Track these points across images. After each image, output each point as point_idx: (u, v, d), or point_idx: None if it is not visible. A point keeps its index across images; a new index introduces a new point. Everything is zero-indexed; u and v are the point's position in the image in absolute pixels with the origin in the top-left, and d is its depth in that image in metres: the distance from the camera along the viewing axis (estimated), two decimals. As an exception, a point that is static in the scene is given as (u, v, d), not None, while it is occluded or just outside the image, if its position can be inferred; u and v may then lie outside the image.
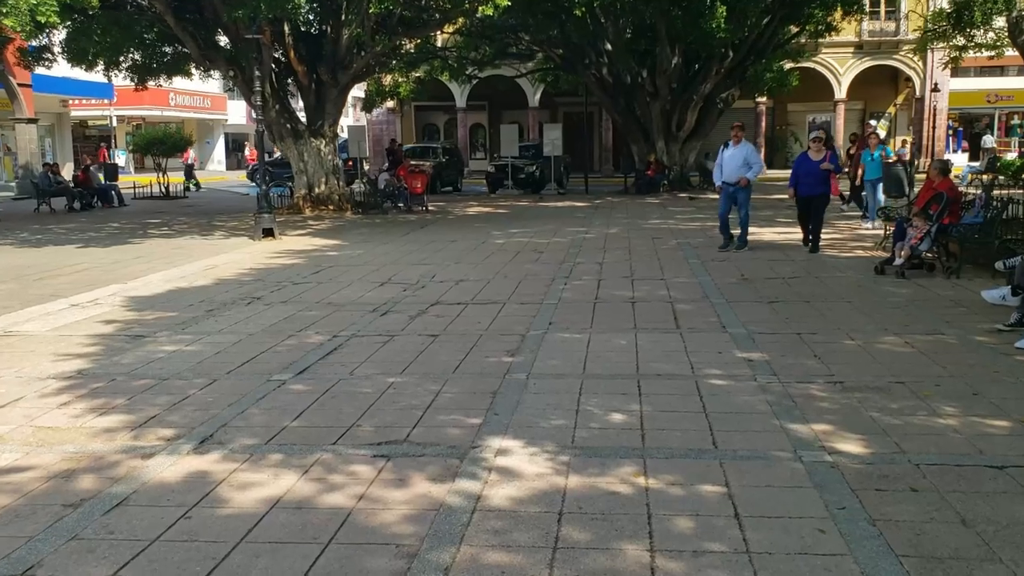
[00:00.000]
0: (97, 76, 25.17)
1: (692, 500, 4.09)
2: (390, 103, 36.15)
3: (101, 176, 26.56)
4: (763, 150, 38.15)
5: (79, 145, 43.81)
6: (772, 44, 26.57)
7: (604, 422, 5.23)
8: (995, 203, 10.72)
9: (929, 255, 10.63)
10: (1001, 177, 23.55)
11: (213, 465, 4.70)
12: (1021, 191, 15.05)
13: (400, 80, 29.61)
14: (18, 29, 14.47)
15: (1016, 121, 42.37)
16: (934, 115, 37.06)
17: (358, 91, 36.54)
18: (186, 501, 4.23)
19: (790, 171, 13.27)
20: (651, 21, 24.24)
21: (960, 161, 34.00)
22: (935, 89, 35.69)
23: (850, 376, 6.11)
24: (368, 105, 31.06)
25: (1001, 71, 39.72)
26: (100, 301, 9.94)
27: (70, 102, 39.05)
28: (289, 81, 22.51)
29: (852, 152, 16.70)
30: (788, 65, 31.02)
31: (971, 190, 15.96)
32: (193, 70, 22.46)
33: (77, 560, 3.66)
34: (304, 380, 6.35)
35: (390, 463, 4.65)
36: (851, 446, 4.74)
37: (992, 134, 40.71)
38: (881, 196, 14.93)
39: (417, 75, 30.26)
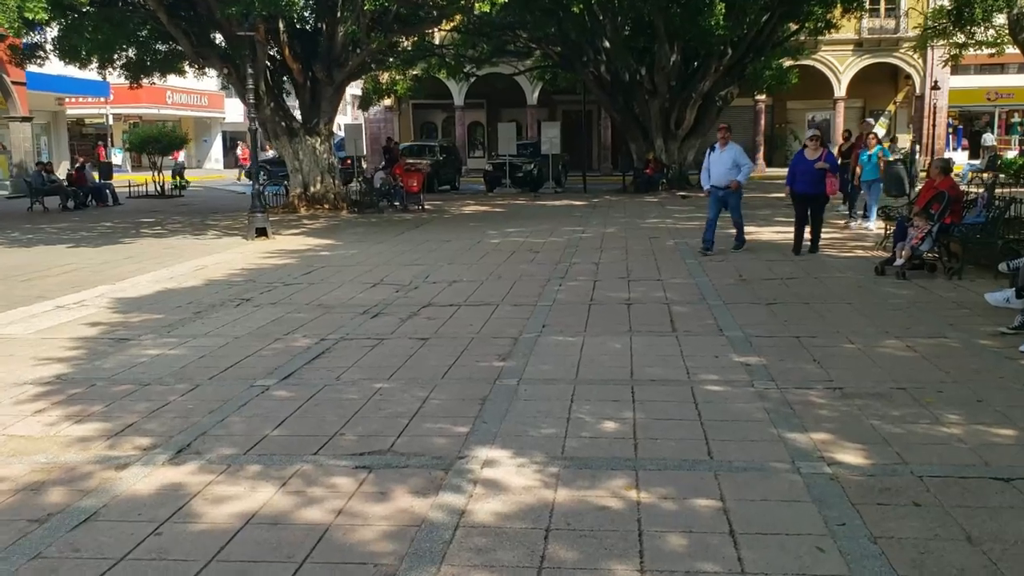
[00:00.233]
0: (91, 74, 24.98)
1: (685, 515, 3.92)
2: (387, 101, 35.98)
3: (96, 175, 26.37)
4: (762, 148, 38.05)
5: (76, 143, 43.62)
6: (771, 41, 26.38)
7: (596, 431, 5.05)
8: (998, 202, 10.53)
9: (930, 255, 10.46)
10: (1002, 176, 23.39)
11: (188, 477, 4.52)
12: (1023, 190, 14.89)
13: (397, 78, 29.41)
14: (6, 25, 14.26)
15: (1016, 119, 42.16)
16: (934, 113, 36.86)
17: (356, 89, 36.38)
18: (157, 516, 4.05)
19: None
20: (649, 18, 24.04)
21: (960, 159, 33.83)
22: (935, 87, 35.50)
23: (850, 382, 5.93)
24: (365, 103, 30.86)
25: (1001, 69, 39.54)
26: (86, 303, 9.76)
27: (66, 100, 38.85)
28: (284, 79, 22.32)
29: (842, 149, 16.40)
30: (787, 63, 30.83)
31: (972, 189, 15.80)
32: (187, 68, 22.26)
33: (38, 581, 3.48)
34: (288, 386, 6.17)
35: (372, 475, 4.48)
36: (851, 456, 4.57)
37: (992, 132, 40.52)
38: (872, 199, 14.62)
39: (414, 73, 30.06)
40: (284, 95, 22.68)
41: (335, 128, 34.00)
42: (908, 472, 4.35)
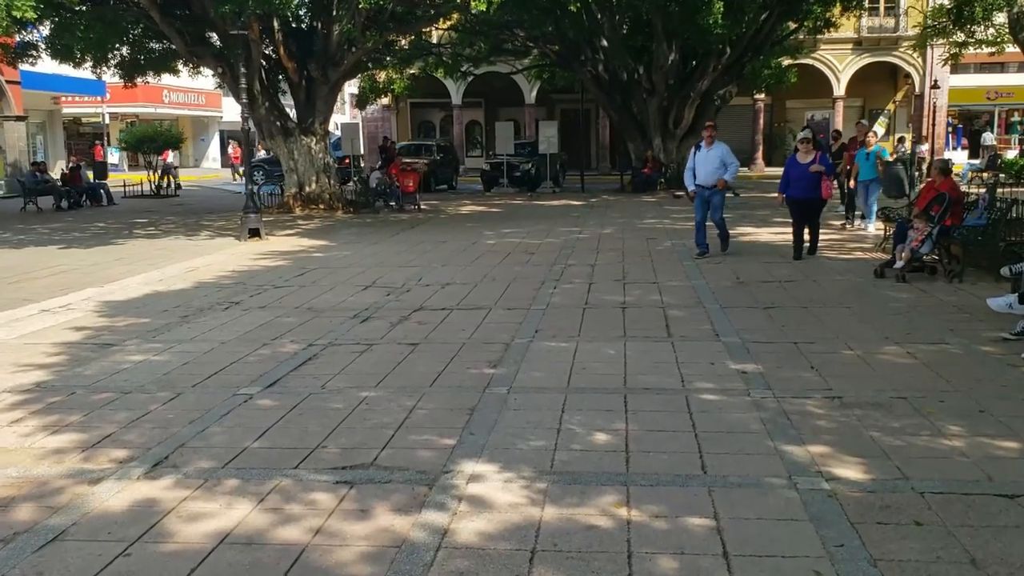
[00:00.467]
0: (87, 73, 24.79)
1: (677, 535, 3.76)
2: (385, 100, 35.79)
3: (90, 174, 26.19)
4: (761, 147, 37.90)
5: (73, 143, 43.42)
6: (770, 40, 26.20)
7: (586, 443, 4.89)
8: (999, 204, 10.37)
9: (930, 258, 10.30)
10: (1002, 176, 23.23)
11: (163, 492, 4.36)
12: (1024, 190, 14.73)
13: (395, 77, 29.22)
14: (-7, 24, 14.10)
15: (1016, 118, 42.01)
16: (934, 112, 36.71)
17: (353, 88, 36.18)
18: (128, 535, 3.89)
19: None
20: (647, 17, 23.87)
21: (960, 159, 33.68)
22: (935, 86, 35.34)
23: (849, 391, 5.77)
24: (362, 102, 30.65)
25: (1001, 67, 39.39)
26: (73, 306, 9.59)
27: (62, 99, 38.66)
28: (279, 78, 22.14)
29: (832, 150, 16.15)
30: (786, 62, 30.67)
31: (972, 189, 15.63)
32: (181, 67, 22.08)
33: (-2, 606, 3.33)
34: (272, 394, 6.01)
35: (353, 491, 4.32)
36: (850, 471, 4.41)
37: (992, 131, 40.37)
38: (871, 200, 14.39)
39: (412, 72, 29.87)
40: (279, 94, 22.52)
41: (332, 127, 33.86)
42: (909, 488, 4.19)
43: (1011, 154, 30.59)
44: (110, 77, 24.72)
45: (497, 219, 18.87)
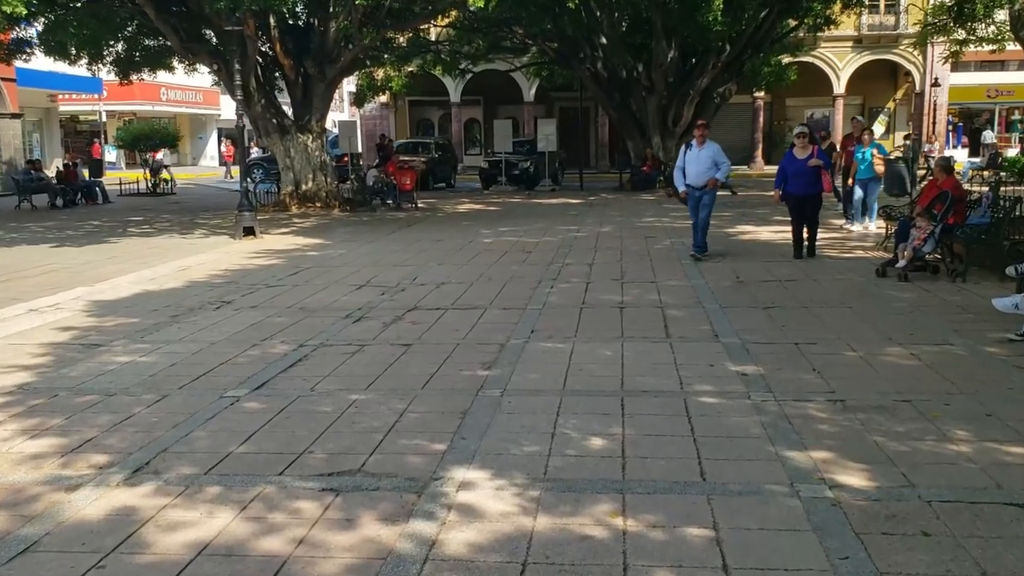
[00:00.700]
0: (82, 70, 24.64)
1: (675, 546, 3.60)
2: (383, 98, 35.60)
3: (86, 172, 26.03)
4: (761, 145, 37.72)
5: (70, 141, 43.25)
6: (770, 38, 26.01)
7: (582, 448, 4.74)
8: (1003, 202, 10.22)
9: (932, 257, 10.14)
10: (1003, 174, 23.06)
11: (142, 500, 4.21)
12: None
13: (392, 74, 29.04)
14: (-16, 19, 13.93)
15: (1017, 116, 41.86)
16: (934, 110, 36.55)
17: (352, 86, 35.99)
18: (103, 546, 3.74)
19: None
20: (647, 14, 23.69)
21: (960, 157, 33.50)
22: (935, 84, 35.18)
23: (852, 393, 5.62)
24: (359, 100, 30.46)
25: (1001, 66, 39.22)
26: (62, 306, 9.43)
27: (58, 97, 38.48)
28: (276, 75, 21.98)
29: (823, 148, 15.90)
30: (786, 59, 30.48)
31: (973, 187, 15.46)
32: (177, 64, 21.91)
33: (-37, 623, 3.17)
34: (260, 397, 5.86)
35: (339, 498, 4.16)
36: (854, 478, 4.26)
37: (992, 130, 40.22)
38: (864, 197, 14.15)
39: (410, 69, 29.68)
40: (276, 91, 22.36)
41: (329, 125, 33.67)
42: (915, 496, 4.04)
43: (1011, 152, 30.43)
44: (106, 75, 24.58)
45: (495, 217, 18.72)
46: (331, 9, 19.45)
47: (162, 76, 27.85)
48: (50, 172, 25.92)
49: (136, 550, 3.70)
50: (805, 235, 11.70)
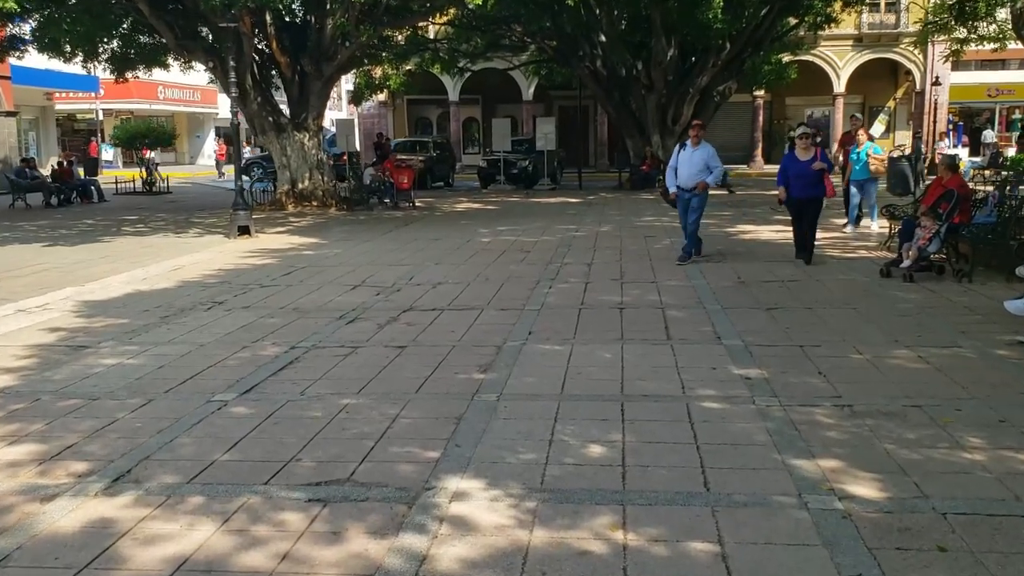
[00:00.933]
0: (78, 68, 24.43)
1: (678, 563, 3.42)
2: (381, 96, 35.40)
3: (81, 171, 25.82)
4: (760, 144, 37.54)
5: (67, 139, 43.06)
6: (770, 36, 25.85)
7: (580, 456, 4.56)
8: (1010, 201, 10.04)
9: (938, 257, 9.96)
10: (1004, 173, 22.90)
11: (121, 511, 4.03)
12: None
13: (391, 72, 28.85)
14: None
15: (1017, 116, 41.72)
16: (934, 109, 36.36)
17: (350, 84, 35.78)
18: (76, 561, 3.55)
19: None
20: (646, 12, 23.50)
21: (961, 156, 33.30)
22: (936, 83, 35.00)
23: (859, 398, 5.44)
24: (357, 98, 30.28)
25: (1002, 65, 39.09)
26: (51, 306, 9.25)
27: (54, 95, 38.28)
28: (272, 73, 21.79)
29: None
30: (786, 58, 30.31)
31: (978, 187, 15.27)
32: (172, 61, 21.70)
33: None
34: (248, 401, 5.67)
35: (326, 510, 3.98)
36: (865, 488, 4.08)
37: (993, 129, 40.07)
38: (861, 198, 13.88)
39: (408, 67, 29.49)
40: (272, 89, 22.17)
41: (327, 124, 33.45)
42: (930, 508, 3.86)
43: (1011, 152, 30.27)
44: (101, 72, 24.38)
45: (493, 217, 18.53)
46: (328, 6, 19.25)
47: (160, 74, 27.63)
48: (46, 171, 25.71)
49: (111, 565, 3.52)
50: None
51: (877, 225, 13.87)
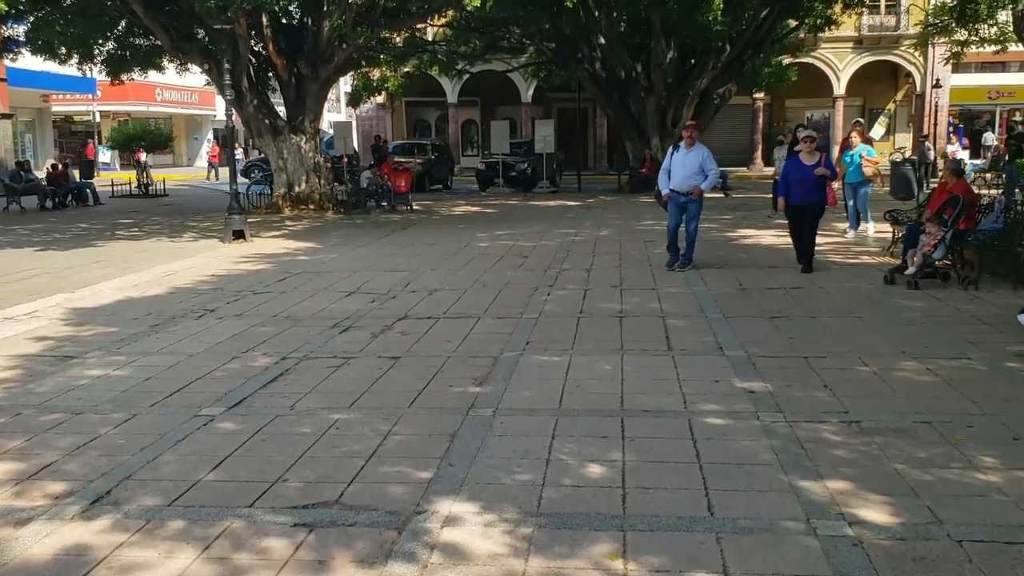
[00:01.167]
0: (74, 70, 24.25)
1: (681, 595, 3.25)
2: (379, 98, 35.24)
3: (76, 173, 25.63)
4: (760, 147, 37.38)
5: (64, 142, 42.86)
6: (770, 38, 25.69)
7: (579, 477, 4.38)
8: (1018, 206, 9.86)
9: (943, 263, 9.78)
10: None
11: (97, 536, 3.84)
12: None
13: (388, 75, 28.69)
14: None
15: (1018, 118, 41.55)
16: (935, 112, 36.21)
17: (348, 86, 35.63)
18: (47, 592, 3.37)
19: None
20: (646, 13, 23.35)
21: (964, 159, 33.15)
22: (936, 85, 34.84)
23: (867, 414, 5.26)
24: (355, 100, 30.10)
25: (1003, 67, 39.00)
26: (39, 314, 9.07)
27: (51, 97, 38.12)
28: (269, 75, 21.62)
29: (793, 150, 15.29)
30: (786, 60, 30.16)
31: (982, 191, 15.10)
32: (167, 63, 21.53)
33: None
34: (235, 416, 5.49)
35: (312, 536, 3.80)
36: (876, 513, 3.90)
37: (993, 131, 39.91)
38: (854, 202, 13.60)
39: (406, 70, 29.32)
40: (269, 92, 21.99)
41: (325, 127, 33.26)
42: (945, 535, 3.68)
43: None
44: (97, 74, 24.19)
45: (491, 220, 18.36)
46: (325, 8, 19.09)
47: (158, 77, 27.53)
48: (41, 173, 25.53)
49: (84, 598, 3.34)
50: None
51: (873, 229, 13.63)
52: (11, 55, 20.09)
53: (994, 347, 6.81)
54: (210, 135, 50.43)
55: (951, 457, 4.56)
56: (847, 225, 14.45)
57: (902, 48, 36.16)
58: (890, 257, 11.40)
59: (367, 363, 6.72)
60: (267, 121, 20.17)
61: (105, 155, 42.34)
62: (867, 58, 37.07)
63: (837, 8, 25.28)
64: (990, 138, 38.13)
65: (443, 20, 25.59)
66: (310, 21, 20.02)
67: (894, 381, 5.96)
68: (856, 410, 5.33)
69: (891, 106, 39.78)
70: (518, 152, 28.40)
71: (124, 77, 22.12)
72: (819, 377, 6.08)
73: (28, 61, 24.43)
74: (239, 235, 14.98)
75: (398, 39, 24.37)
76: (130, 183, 27.23)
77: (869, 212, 13.71)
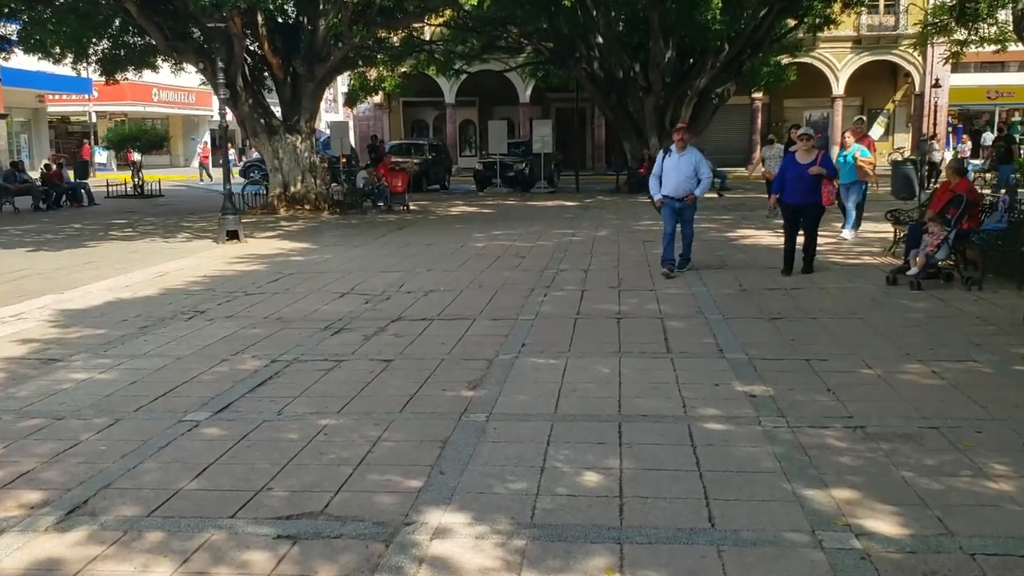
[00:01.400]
0: (65, 69, 24.09)
1: (681, 613, 3.09)
2: (377, 98, 35.06)
3: (71, 174, 25.44)
4: (759, 147, 37.19)
5: (61, 142, 42.67)
6: (769, 38, 25.53)
7: (574, 486, 4.22)
8: (1022, 205, 9.71)
9: (946, 264, 9.63)
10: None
11: (71, 549, 3.68)
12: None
13: (385, 74, 28.51)
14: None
15: (1017, 118, 41.43)
16: (934, 111, 36.08)
17: (346, 86, 35.44)
18: (15, 610, 3.21)
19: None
20: (644, 13, 23.19)
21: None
22: (936, 85, 34.72)
23: (872, 419, 5.10)
24: (352, 100, 29.92)
25: (1002, 67, 38.89)
26: (26, 315, 8.90)
27: (47, 97, 37.95)
28: (265, 74, 21.44)
29: (789, 149, 15.06)
30: (785, 60, 30.00)
31: (986, 191, 14.94)
32: (162, 63, 21.35)
33: None
34: (221, 421, 5.32)
35: (296, 548, 3.64)
36: (884, 524, 3.74)
37: (992, 131, 39.77)
38: (849, 205, 13.35)
39: (403, 70, 29.14)
40: (264, 91, 21.82)
41: (323, 127, 33.08)
42: (956, 548, 3.52)
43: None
44: (91, 73, 24.05)
45: (488, 221, 18.19)
46: (320, 7, 18.93)
47: (155, 77, 27.27)
48: (36, 174, 25.32)
49: (53, 616, 3.18)
50: (800, 243, 10.45)
51: (852, 235, 13.21)
52: (4, 54, 19.87)
53: (1001, 349, 6.66)
54: (207, 136, 50.27)
55: (960, 464, 4.40)
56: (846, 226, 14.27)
57: (901, 48, 36.04)
58: (892, 257, 11.25)
59: (359, 366, 6.56)
60: (262, 121, 20.00)
61: (101, 156, 42.14)
62: (866, 58, 36.95)
63: (836, 7, 25.11)
64: (989, 138, 37.97)
65: (440, 19, 25.42)
66: (306, 20, 19.85)
67: (899, 384, 5.80)
68: (860, 415, 5.17)
69: (890, 106, 39.64)
70: (516, 152, 28.25)
71: (119, 77, 21.94)
72: (822, 380, 5.92)
73: (23, 61, 24.29)
74: (233, 235, 14.81)
75: (395, 38, 24.19)
76: (125, 183, 27.05)
77: (853, 215, 13.32)
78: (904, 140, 37.83)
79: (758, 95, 35.06)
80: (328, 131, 29.24)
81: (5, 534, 3.84)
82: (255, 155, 32.66)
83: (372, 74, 28.31)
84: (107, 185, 27.04)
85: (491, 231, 15.86)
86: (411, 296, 9.50)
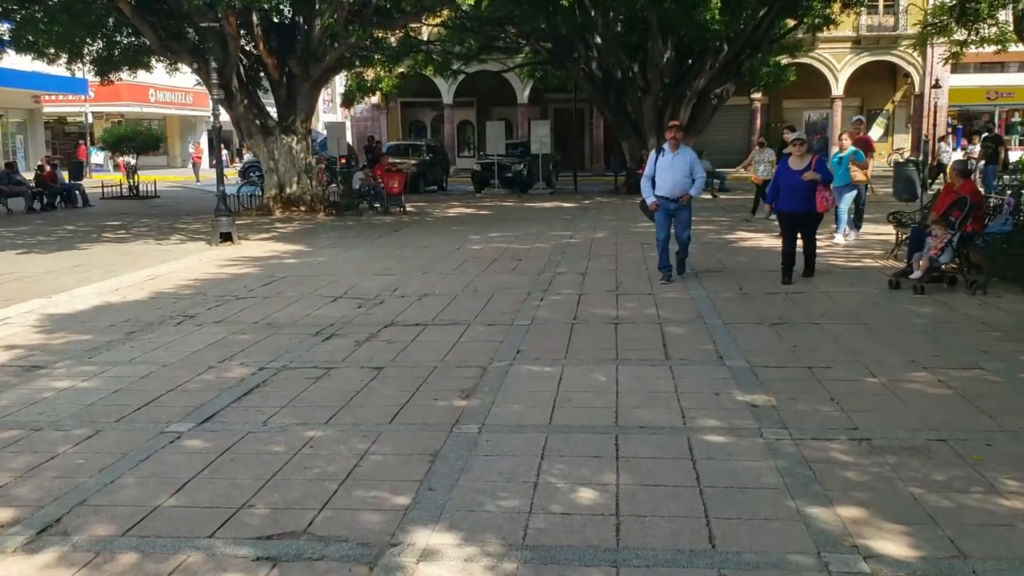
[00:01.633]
0: (61, 70, 23.88)
1: (681, 645, 2.91)
2: (374, 99, 34.89)
3: (65, 174, 25.24)
4: (758, 148, 36.98)
5: (58, 143, 42.48)
6: (768, 38, 25.36)
7: (568, 503, 4.04)
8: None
9: (949, 267, 9.46)
10: (1007, 177, 22.43)
11: (39, 572, 3.51)
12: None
13: (383, 75, 28.34)
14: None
15: (1017, 119, 41.32)
16: (934, 112, 35.92)
17: (343, 87, 35.26)
18: (-25, 641, 3.04)
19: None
20: (642, 13, 23.01)
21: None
22: (936, 85, 34.55)
23: (878, 430, 4.93)
24: (348, 100, 29.73)
25: (1002, 67, 38.73)
26: (11, 320, 8.72)
27: (43, 98, 37.76)
28: (260, 75, 21.27)
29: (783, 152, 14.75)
30: (785, 60, 29.84)
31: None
32: (156, 63, 21.17)
33: None
34: (204, 432, 5.15)
35: (276, 571, 3.46)
36: (892, 545, 3.57)
37: (994, 132, 39.62)
38: (841, 207, 13.17)
39: (400, 70, 28.96)
40: (260, 92, 21.64)
41: (320, 128, 32.89)
42: (970, 571, 3.35)
43: (1013, 155, 29.82)
44: (86, 74, 23.86)
45: (485, 222, 18.01)
46: (316, 6, 18.75)
47: (151, 77, 27.14)
48: (30, 175, 25.13)
49: (15, 647, 3.00)
50: (800, 246, 10.14)
51: (842, 238, 13.06)
52: (-3, 54, 19.72)
53: (1008, 356, 6.49)
54: (204, 137, 50.07)
55: (971, 480, 4.23)
56: (849, 229, 14.09)
57: (901, 48, 35.89)
58: (894, 261, 11.08)
59: (349, 374, 6.38)
60: (258, 121, 19.82)
61: (98, 156, 41.95)
62: (865, 58, 36.78)
63: (835, 8, 24.95)
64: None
65: (438, 19, 25.25)
66: (301, 19, 19.67)
67: (904, 394, 5.63)
68: (866, 426, 5.00)
69: (889, 106, 39.50)
70: (514, 153, 28.08)
71: (114, 77, 21.77)
72: (825, 389, 5.74)
73: (18, 61, 24.10)
74: (226, 237, 14.63)
75: (392, 39, 24.01)
76: (120, 185, 26.86)
77: (844, 220, 13.10)
78: (904, 141, 37.69)
79: (757, 96, 34.90)
80: (325, 132, 29.05)
81: (-29, 556, 3.67)
82: (249, 156, 32.53)
83: (369, 74, 28.12)
84: (102, 186, 26.85)
85: (488, 233, 15.68)
86: (405, 300, 9.33)
